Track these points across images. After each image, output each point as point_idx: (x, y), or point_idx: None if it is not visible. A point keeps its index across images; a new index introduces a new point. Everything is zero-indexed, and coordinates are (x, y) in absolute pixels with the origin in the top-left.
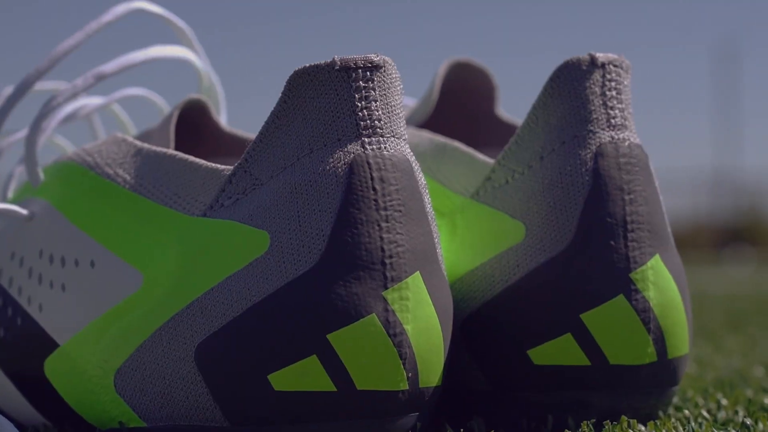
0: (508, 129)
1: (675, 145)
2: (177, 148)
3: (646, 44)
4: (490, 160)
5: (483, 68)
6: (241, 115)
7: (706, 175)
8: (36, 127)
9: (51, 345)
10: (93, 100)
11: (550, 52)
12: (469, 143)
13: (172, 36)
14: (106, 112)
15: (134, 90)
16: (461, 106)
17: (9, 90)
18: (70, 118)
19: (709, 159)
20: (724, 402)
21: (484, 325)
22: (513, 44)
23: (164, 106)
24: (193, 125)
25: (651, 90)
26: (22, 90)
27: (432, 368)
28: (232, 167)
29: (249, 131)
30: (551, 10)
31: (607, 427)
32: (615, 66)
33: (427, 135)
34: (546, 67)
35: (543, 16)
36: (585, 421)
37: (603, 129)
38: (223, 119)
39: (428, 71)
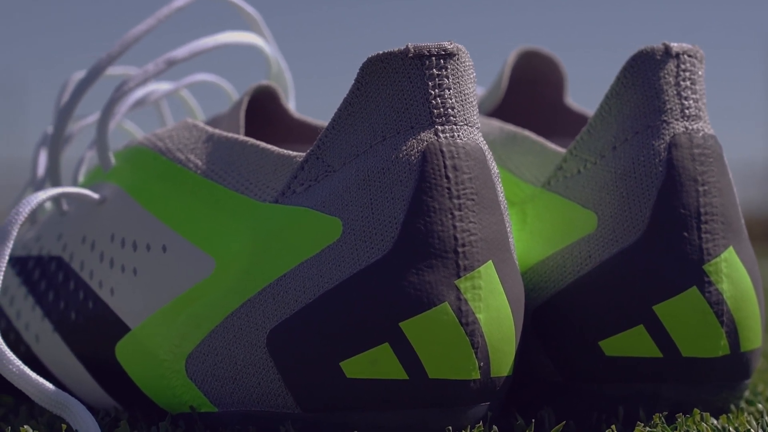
0: (577, 118)
1: (727, 136)
2: (246, 134)
3: (700, 35)
4: (561, 150)
5: (552, 57)
6: (309, 101)
7: (759, 167)
8: (108, 112)
9: (122, 329)
10: (162, 86)
11: (606, 45)
12: (537, 132)
13: (241, 22)
14: (173, 98)
15: (203, 76)
16: (530, 95)
17: (80, 75)
18: (140, 103)
19: (762, 151)
20: None
21: (555, 315)
22: (571, 36)
23: (232, 92)
24: (262, 111)
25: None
26: (93, 75)
27: (503, 358)
28: (303, 154)
29: (316, 118)
30: (607, 5)
31: (679, 419)
32: (689, 56)
33: (496, 124)
34: (593, 62)
35: (599, 12)
36: (657, 414)
37: (677, 119)
38: (291, 106)
39: (497, 60)
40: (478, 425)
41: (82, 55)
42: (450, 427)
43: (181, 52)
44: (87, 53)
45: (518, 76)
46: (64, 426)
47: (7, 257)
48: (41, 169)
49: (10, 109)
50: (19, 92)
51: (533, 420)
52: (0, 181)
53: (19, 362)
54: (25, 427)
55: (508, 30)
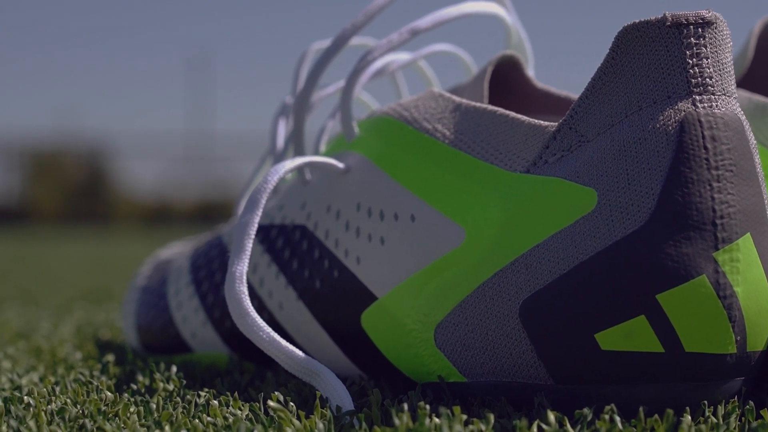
0: None
1: None
2: (489, 104)
3: None
4: None
5: None
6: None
7: None
8: (353, 81)
9: (369, 298)
10: (401, 56)
11: None
12: None
13: None
14: (408, 68)
15: (441, 46)
16: None
17: (319, 45)
18: (379, 73)
19: None
20: None
21: None
22: None
23: (470, 62)
24: (504, 81)
25: None
26: (338, 44)
27: (760, 332)
28: (554, 123)
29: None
30: None
31: None
32: None
33: (745, 94)
34: None
35: None
36: None
37: None
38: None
39: (740, 30)
40: (732, 400)
41: (268, 30)
42: (705, 402)
43: (424, 21)
44: (272, 28)
45: (764, 45)
46: (318, 393)
47: (256, 224)
48: (280, 140)
49: (201, 84)
50: (209, 67)
51: None
52: (192, 153)
53: (269, 329)
54: (276, 393)
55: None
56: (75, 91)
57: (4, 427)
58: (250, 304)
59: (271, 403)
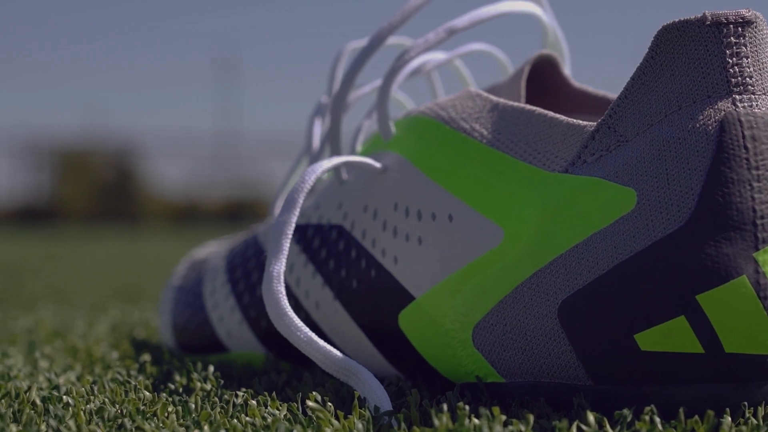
0: None
1: None
2: (526, 103)
3: None
4: None
5: None
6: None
7: None
8: (389, 81)
9: (406, 298)
10: (436, 56)
11: None
12: None
13: None
14: (445, 68)
15: (477, 45)
16: None
17: (355, 44)
18: (415, 72)
19: None
20: None
21: None
22: None
23: (506, 62)
24: (540, 80)
25: None
26: (375, 44)
27: None
28: (593, 123)
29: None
30: None
31: None
32: None
33: None
34: None
35: None
36: None
37: None
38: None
39: None
40: None
41: (296, 27)
42: (745, 403)
43: (461, 21)
44: (300, 25)
45: None
46: (356, 393)
47: (293, 224)
48: (316, 139)
49: (228, 82)
50: (237, 65)
51: None
52: (220, 152)
53: (306, 329)
54: (314, 393)
55: None
56: (103, 90)
57: (43, 427)
58: (287, 304)
59: (309, 403)
